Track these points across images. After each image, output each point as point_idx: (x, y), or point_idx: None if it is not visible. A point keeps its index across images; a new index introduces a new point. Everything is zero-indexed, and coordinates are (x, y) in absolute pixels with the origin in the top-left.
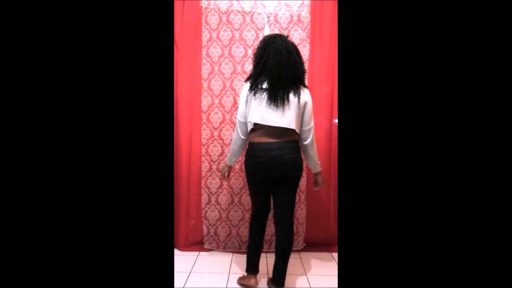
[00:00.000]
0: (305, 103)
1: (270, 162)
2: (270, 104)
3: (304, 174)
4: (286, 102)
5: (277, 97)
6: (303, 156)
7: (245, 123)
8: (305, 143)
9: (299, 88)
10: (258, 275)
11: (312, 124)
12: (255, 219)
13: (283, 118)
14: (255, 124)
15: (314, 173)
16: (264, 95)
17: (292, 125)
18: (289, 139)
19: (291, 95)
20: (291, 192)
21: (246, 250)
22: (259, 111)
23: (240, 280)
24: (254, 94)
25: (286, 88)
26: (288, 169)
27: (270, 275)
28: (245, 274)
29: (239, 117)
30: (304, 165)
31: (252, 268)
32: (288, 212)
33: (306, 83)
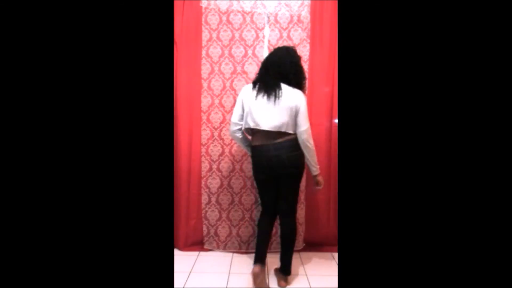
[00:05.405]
0: (296, 105)
1: (269, 162)
2: (263, 99)
3: (304, 174)
4: (277, 100)
5: (268, 90)
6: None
7: (236, 124)
8: (301, 145)
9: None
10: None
11: (305, 126)
12: (262, 217)
13: (275, 120)
14: (253, 129)
15: (312, 175)
16: (260, 96)
17: (284, 128)
18: (286, 139)
19: (283, 93)
20: (292, 187)
21: (246, 250)
22: (251, 116)
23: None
24: (255, 96)
25: (277, 85)
26: (287, 167)
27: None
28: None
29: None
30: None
31: (258, 258)
32: (288, 205)
33: (306, 86)
